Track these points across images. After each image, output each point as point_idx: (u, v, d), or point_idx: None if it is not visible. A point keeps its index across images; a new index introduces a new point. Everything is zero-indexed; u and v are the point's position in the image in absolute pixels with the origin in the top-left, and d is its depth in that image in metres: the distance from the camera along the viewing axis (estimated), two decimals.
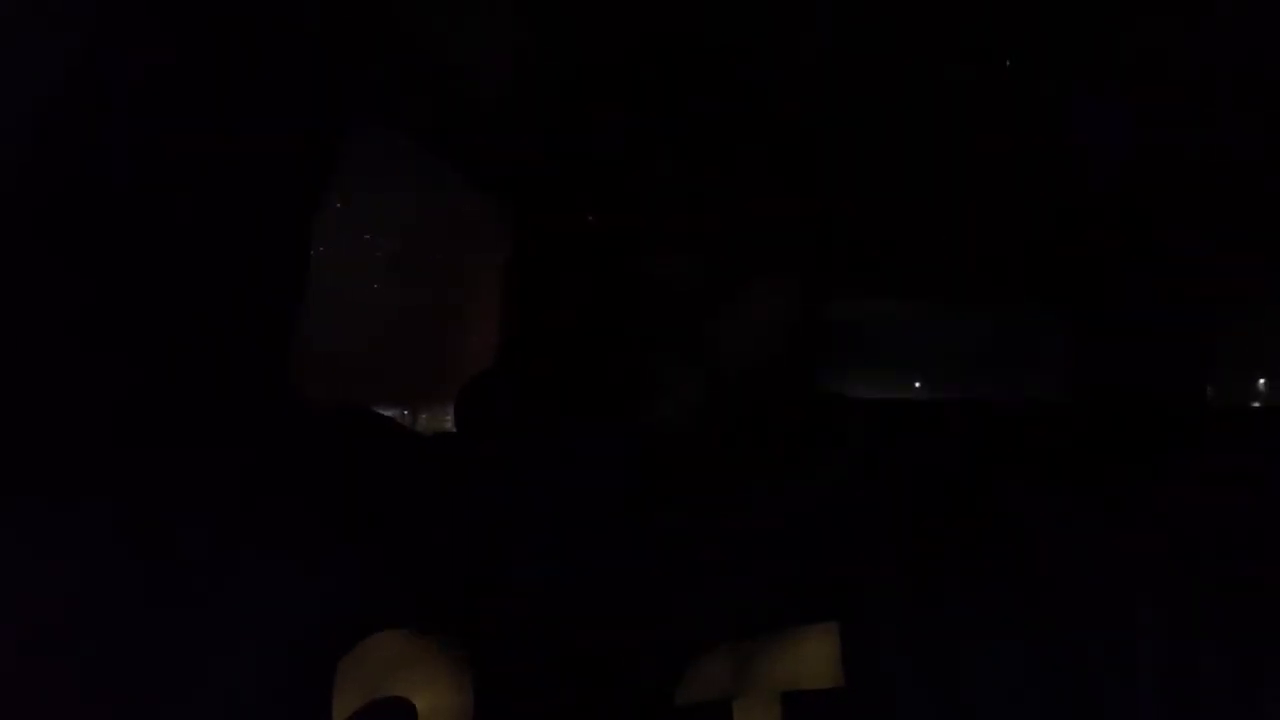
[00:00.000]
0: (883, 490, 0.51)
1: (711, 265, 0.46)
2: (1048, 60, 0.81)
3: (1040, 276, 1.23)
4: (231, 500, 0.48)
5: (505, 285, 0.54)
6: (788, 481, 0.50)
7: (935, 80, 0.84)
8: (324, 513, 0.49)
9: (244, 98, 0.60)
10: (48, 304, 0.51)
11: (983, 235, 1.15)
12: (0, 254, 0.52)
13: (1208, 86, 0.80)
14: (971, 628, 0.45)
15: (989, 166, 1.01)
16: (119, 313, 0.53)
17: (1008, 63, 0.78)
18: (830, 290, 0.52)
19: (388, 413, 0.94)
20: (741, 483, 0.49)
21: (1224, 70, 0.79)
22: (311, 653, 0.44)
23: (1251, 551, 0.47)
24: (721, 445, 0.47)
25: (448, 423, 0.59)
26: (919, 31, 0.76)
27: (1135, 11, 0.73)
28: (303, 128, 0.66)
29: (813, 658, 0.43)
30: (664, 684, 0.44)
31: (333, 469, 0.52)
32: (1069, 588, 0.45)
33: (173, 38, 0.56)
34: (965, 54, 0.81)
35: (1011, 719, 0.43)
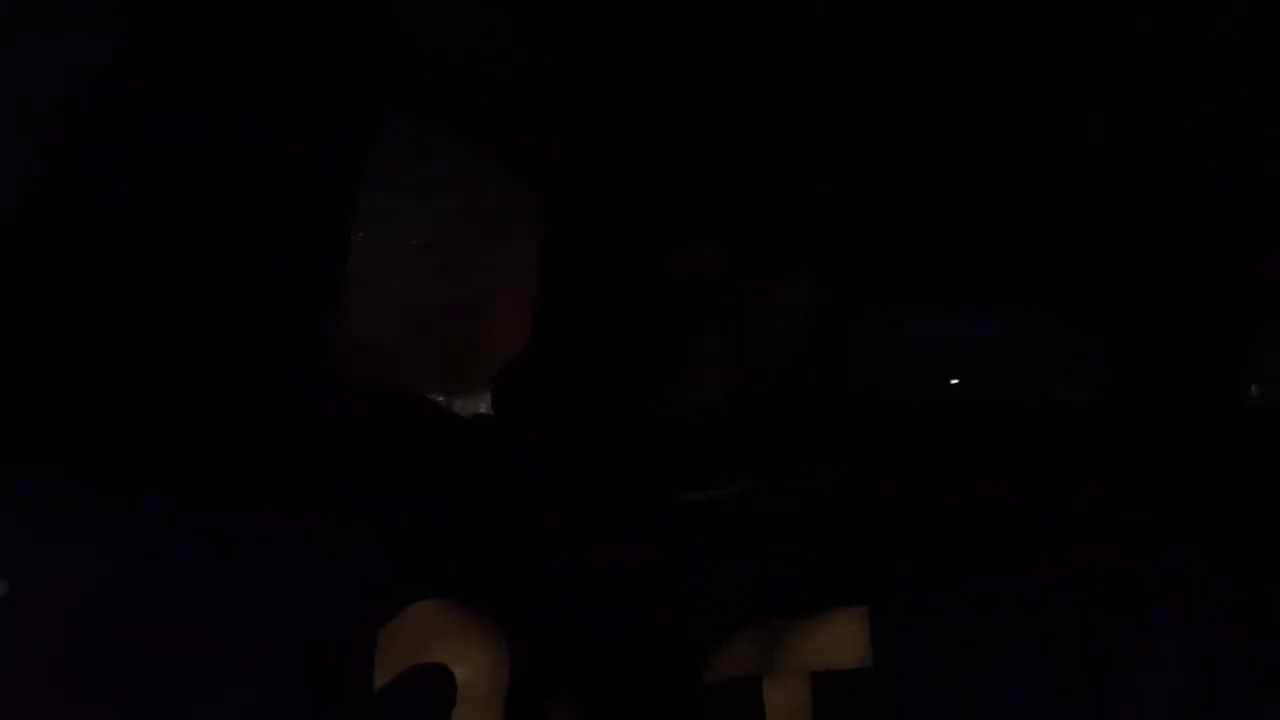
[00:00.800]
0: (913, 482, 0.52)
1: (736, 258, 0.46)
2: (1079, 57, 0.80)
3: (1074, 277, 1.22)
4: (278, 473, 0.50)
5: (538, 274, 0.55)
6: (820, 468, 0.51)
7: (965, 76, 0.84)
8: (365, 486, 0.50)
9: (285, 86, 0.61)
10: (93, 290, 0.53)
11: (1018, 235, 1.15)
12: (52, 238, 0.53)
13: (1244, 86, 0.79)
14: (999, 614, 0.45)
15: (1025, 164, 1.01)
16: (166, 298, 0.55)
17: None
18: (861, 286, 0.53)
19: (431, 392, 0.96)
20: (774, 469, 0.50)
21: (1260, 70, 0.78)
22: (354, 620, 0.46)
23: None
24: (753, 432, 0.48)
25: (485, 406, 0.61)
26: (948, 26, 0.76)
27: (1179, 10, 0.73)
28: (343, 118, 0.67)
29: (842, 638, 0.44)
30: (695, 661, 0.45)
31: (374, 445, 0.53)
32: (1097, 580, 0.46)
33: (209, 28, 0.58)
34: (992, 50, 0.80)
35: (1038, 704, 0.43)
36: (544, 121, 0.79)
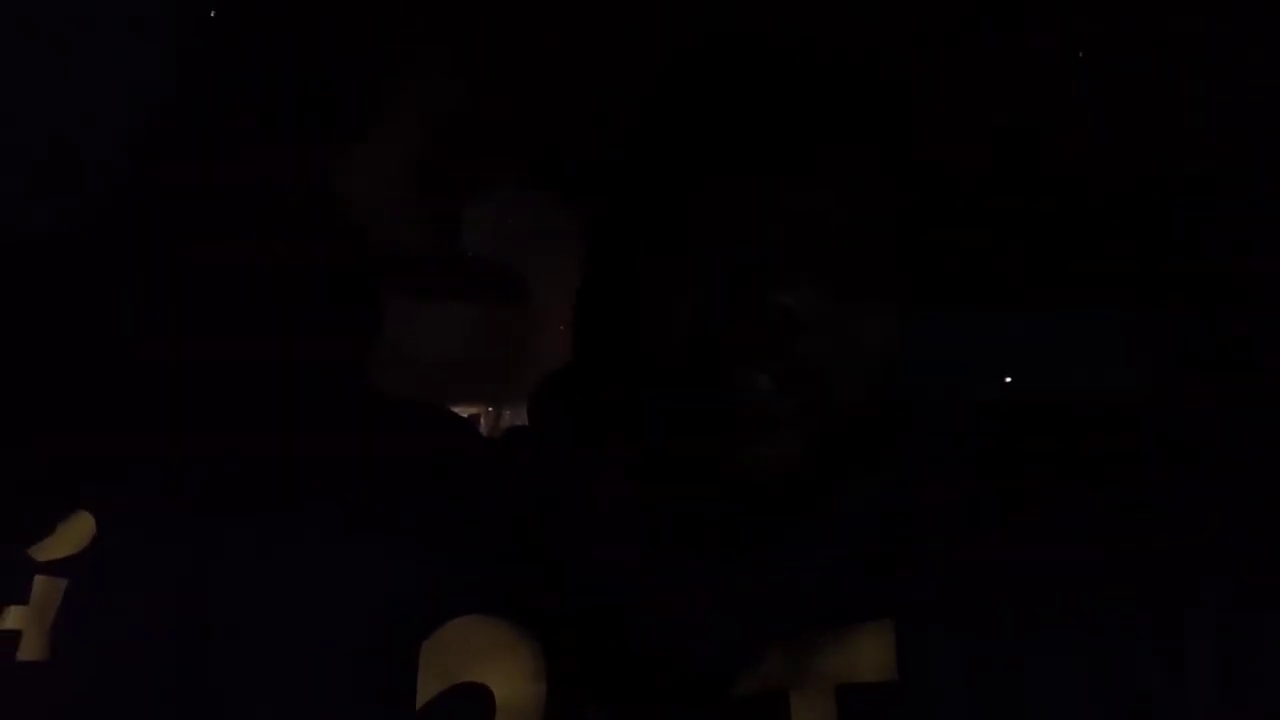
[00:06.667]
0: (956, 486, 0.52)
1: (819, 293, 0.46)
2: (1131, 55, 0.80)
3: (1133, 273, 1.19)
4: (319, 489, 0.51)
5: (579, 290, 0.56)
6: (866, 478, 0.51)
7: (1012, 72, 0.83)
8: (404, 502, 0.52)
9: (335, 101, 0.62)
10: (146, 301, 0.55)
11: (1075, 230, 1.13)
12: (125, 244, 0.56)
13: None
14: (1031, 623, 0.45)
15: (1079, 162, 0.99)
16: (210, 309, 0.57)
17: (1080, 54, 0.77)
18: (929, 300, 0.52)
19: (471, 408, 0.97)
20: (820, 490, 0.50)
21: None
22: (395, 636, 0.47)
23: None
24: (816, 462, 0.48)
25: (523, 419, 0.61)
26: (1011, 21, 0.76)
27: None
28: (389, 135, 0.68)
29: (868, 652, 0.45)
30: (725, 675, 0.46)
31: (413, 461, 0.54)
32: (1126, 588, 0.46)
33: (265, 52, 0.60)
34: (1043, 47, 0.80)
35: (1070, 714, 0.44)
36: (590, 136, 0.80)
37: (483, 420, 0.97)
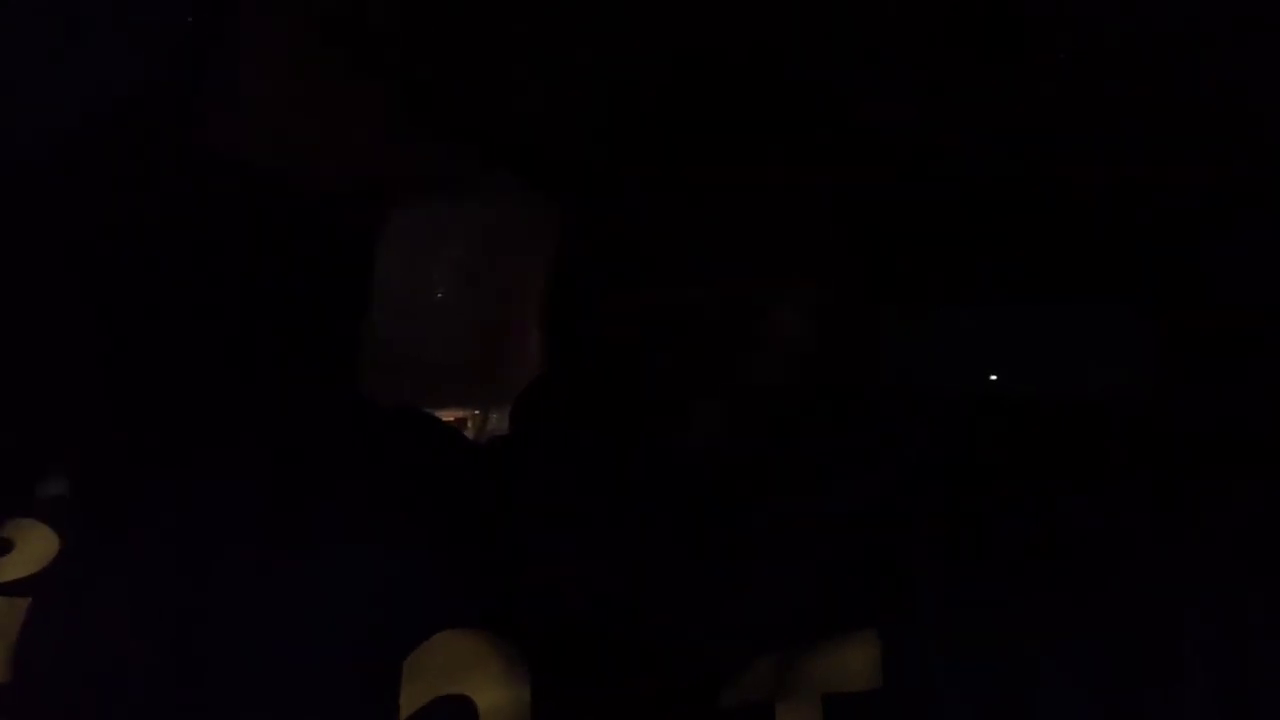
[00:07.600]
0: (928, 489, 0.52)
1: (738, 278, 0.47)
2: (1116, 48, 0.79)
3: (1123, 267, 1.19)
4: (298, 501, 0.51)
5: (549, 295, 0.56)
6: (852, 478, 0.51)
7: (991, 65, 0.83)
8: (387, 514, 0.51)
9: (312, 107, 0.62)
10: (122, 299, 0.55)
11: (1061, 222, 1.13)
12: (92, 244, 0.55)
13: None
14: (1021, 628, 0.45)
15: (1059, 154, 0.99)
16: (190, 312, 0.56)
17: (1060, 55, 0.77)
18: (889, 285, 0.52)
19: (458, 413, 0.97)
20: (789, 489, 0.50)
21: None
22: (378, 651, 0.47)
23: None
24: (777, 451, 0.48)
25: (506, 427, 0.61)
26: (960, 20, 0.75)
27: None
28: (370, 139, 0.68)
29: (854, 661, 0.44)
30: (710, 686, 0.45)
31: (398, 472, 0.54)
32: (1118, 593, 0.45)
33: (248, 47, 0.59)
34: (1025, 38, 0.80)
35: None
36: (571, 130, 0.80)
37: (470, 423, 0.97)
